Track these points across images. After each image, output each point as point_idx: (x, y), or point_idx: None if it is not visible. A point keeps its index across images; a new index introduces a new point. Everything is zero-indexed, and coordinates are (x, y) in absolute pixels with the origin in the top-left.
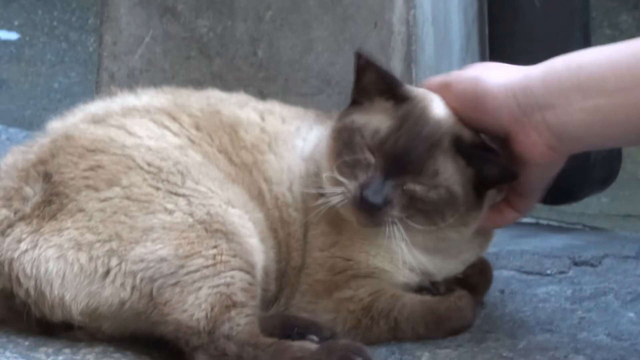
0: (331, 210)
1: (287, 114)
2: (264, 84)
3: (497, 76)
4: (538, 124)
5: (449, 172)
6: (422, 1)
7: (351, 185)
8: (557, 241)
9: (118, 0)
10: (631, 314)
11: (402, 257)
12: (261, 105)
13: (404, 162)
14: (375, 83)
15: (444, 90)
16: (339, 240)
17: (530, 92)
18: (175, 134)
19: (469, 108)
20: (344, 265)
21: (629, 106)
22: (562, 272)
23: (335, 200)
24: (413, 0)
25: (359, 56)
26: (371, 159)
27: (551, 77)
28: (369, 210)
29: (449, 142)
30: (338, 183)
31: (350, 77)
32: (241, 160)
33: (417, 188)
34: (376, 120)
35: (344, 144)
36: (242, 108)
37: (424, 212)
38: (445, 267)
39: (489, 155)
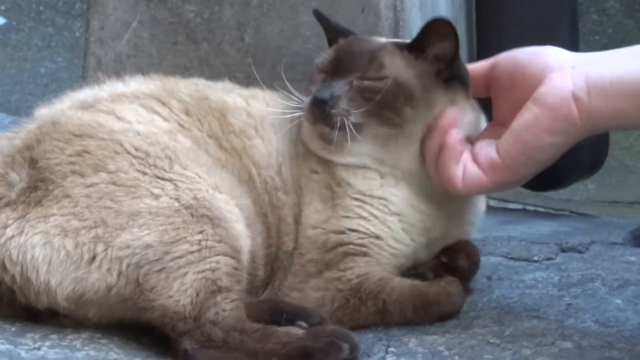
0: (324, 182)
1: (271, 97)
2: (251, 70)
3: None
4: (578, 75)
5: (396, 65)
6: None
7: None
8: (544, 227)
9: None
10: (618, 301)
11: (393, 202)
12: (245, 91)
13: (349, 62)
14: (334, 37)
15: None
16: (333, 215)
17: (586, 54)
18: (165, 119)
19: (525, 53)
20: (337, 239)
21: None
22: (549, 259)
23: (297, 114)
24: None
25: (314, 14)
26: (324, 76)
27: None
28: (319, 108)
29: (391, 45)
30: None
31: None
32: (231, 145)
33: (365, 83)
34: (329, 50)
35: (310, 83)
36: (229, 94)
37: (376, 104)
38: (441, 224)
39: (425, 31)
